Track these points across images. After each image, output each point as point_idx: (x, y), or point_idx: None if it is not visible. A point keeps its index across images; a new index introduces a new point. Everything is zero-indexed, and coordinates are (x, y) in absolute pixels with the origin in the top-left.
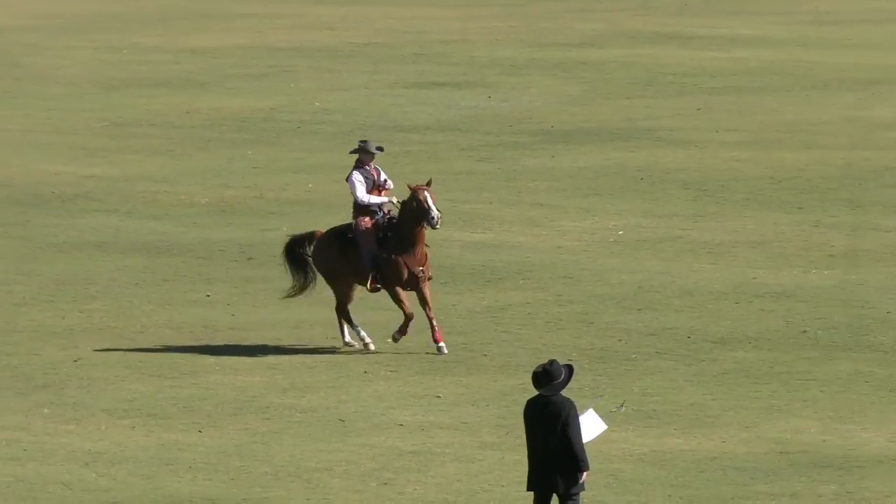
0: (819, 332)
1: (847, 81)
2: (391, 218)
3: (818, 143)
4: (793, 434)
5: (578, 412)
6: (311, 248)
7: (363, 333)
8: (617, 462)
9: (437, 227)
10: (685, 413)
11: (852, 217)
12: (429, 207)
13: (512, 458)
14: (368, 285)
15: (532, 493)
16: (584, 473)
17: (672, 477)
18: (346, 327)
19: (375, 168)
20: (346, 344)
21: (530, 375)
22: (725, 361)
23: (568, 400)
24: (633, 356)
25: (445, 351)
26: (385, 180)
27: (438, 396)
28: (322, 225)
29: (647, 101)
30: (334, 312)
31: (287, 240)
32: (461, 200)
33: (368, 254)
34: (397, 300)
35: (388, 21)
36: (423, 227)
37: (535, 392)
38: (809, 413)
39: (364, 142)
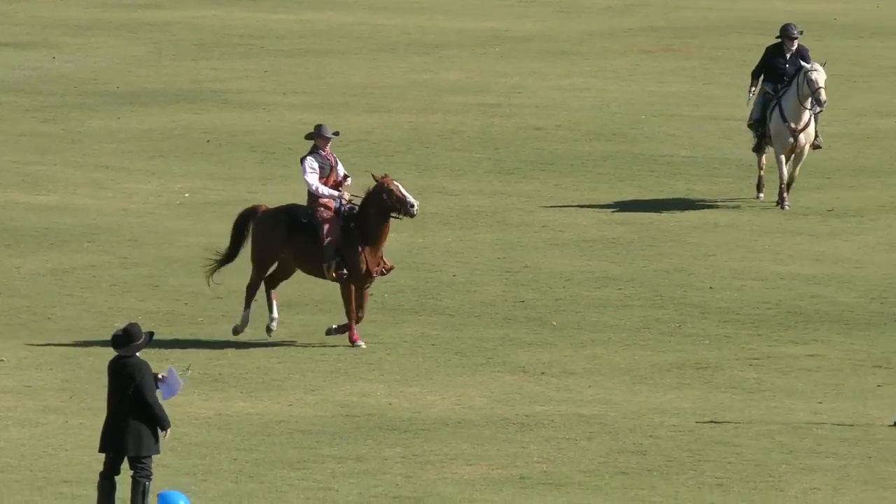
0: (386, 295)
1: (414, 45)
2: (351, 208)
3: (385, 106)
4: (359, 397)
5: (156, 372)
6: (253, 221)
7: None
8: (182, 426)
9: (416, 215)
10: (252, 377)
11: (419, 180)
12: (404, 196)
13: (76, 422)
14: (333, 274)
15: (104, 454)
16: (167, 433)
17: (238, 440)
18: (249, 310)
19: (332, 154)
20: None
21: (107, 338)
22: (293, 325)
23: (142, 361)
24: (200, 320)
25: (363, 346)
26: (345, 174)
27: (2, 360)
28: None
29: (214, 62)
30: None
31: (242, 210)
32: (25, 162)
33: (331, 243)
34: (346, 299)
35: None
36: (389, 221)
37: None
38: (376, 376)
39: (319, 126)
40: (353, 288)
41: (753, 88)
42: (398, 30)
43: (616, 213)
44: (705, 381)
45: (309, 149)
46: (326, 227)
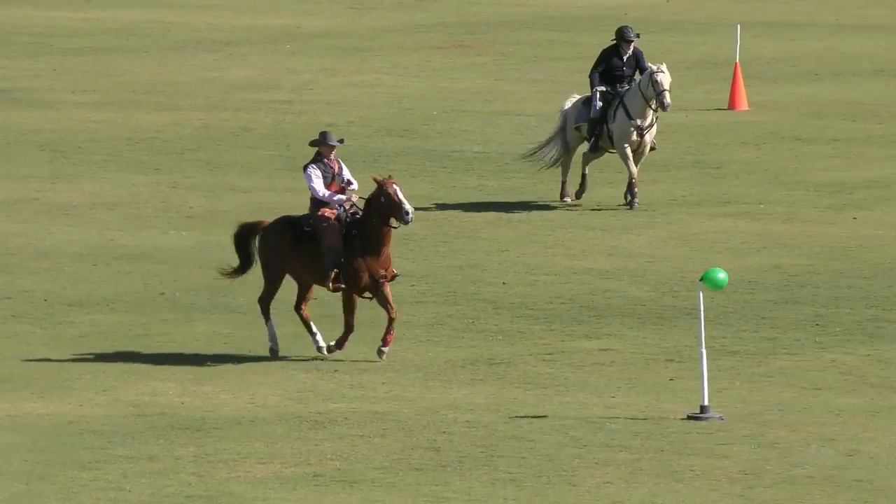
0: (177, 294)
1: (204, 42)
2: (355, 213)
3: (175, 104)
4: (151, 396)
5: None
6: (258, 236)
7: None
8: None
9: (411, 222)
10: (42, 377)
11: (210, 178)
12: (400, 202)
13: None
14: (330, 285)
15: None
16: None
17: (29, 442)
18: (271, 322)
19: (336, 160)
20: (272, 350)
21: None
22: (83, 324)
23: None
24: None
25: (384, 357)
26: (348, 180)
27: None
28: None
29: (3, 61)
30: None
31: (237, 227)
32: None
33: (331, 251)
34: (347, 308)
35: None
36: (390, 225)
37: None
38: (168, 375)
39: (324, 133)
40: (354, 298)
41: (599, 89)
42: (188, 27)
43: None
44: (498, 376)
45: (312, 156)
46: (326, 234)
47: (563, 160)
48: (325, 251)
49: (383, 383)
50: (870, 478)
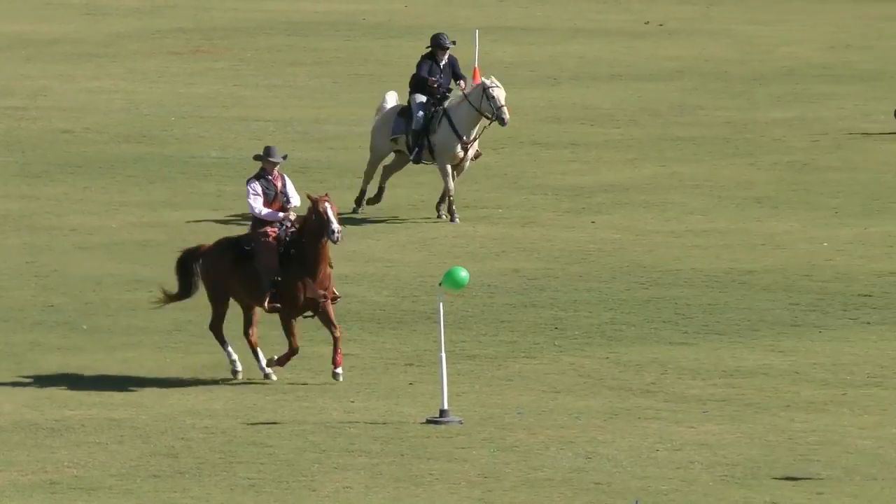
0: None
1: None
2: (294, 231)
3: None
4: None
5: None
6: (200, 260)
7: (235, 357)
8: None
9: (338, 241)
10: None
11: None
12: (328, 220)
13: None
14: (266, 305)
15: None
16: None
17: None
18: (228, 346)
19: (281, 176)
20: (235, 372)
21: None
22: None
23: None
24: None
25: (341, 379)
26: (288, 198)
27: None
28: None
29: None
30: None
31: (180, 253)
32: None
33: (266, 271)
34: (286, 329)
35: None
36: (325, 243)
37: None
38: None
39: (268, 148)
40: (291, 320)
41: (419, 100)
42: None
43: (146, 216)
44: (237, 382)
45: (256, 171)
46: (262, 254)
47: (368, 170)
48: (261, 270)
49: (121, 390)
50: (608, 480)
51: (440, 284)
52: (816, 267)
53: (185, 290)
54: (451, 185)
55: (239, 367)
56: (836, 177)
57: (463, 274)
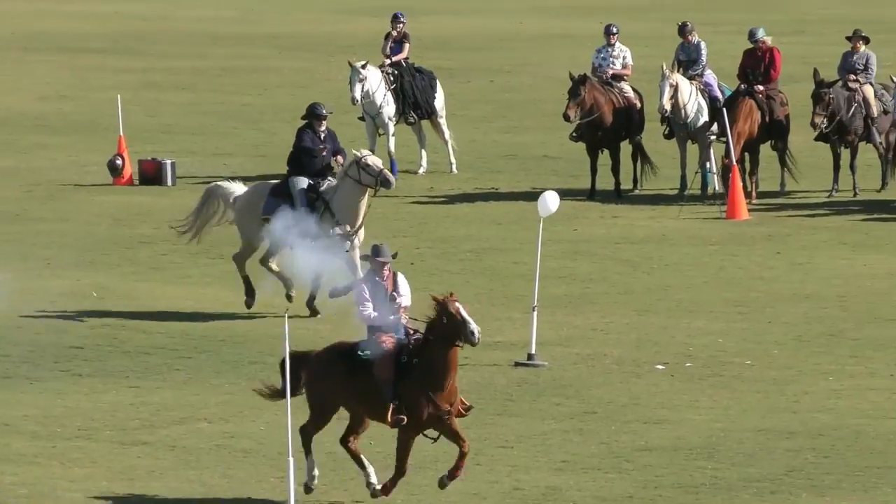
0: None
1: None
2: (417, 338)
3: None
4: None
5: None
6: (305, 370)
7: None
8: None
9: (478, 343)
10: None
11: None
12: (465, 320)
13: None
14: (389, 418)
15: None
16: None
17: None
18: (313, 456)
19: (392, 274)
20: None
21: None
22: None
23: None
24: None
25: (444, 487)
26: (392, 294)
27: None
28: None
29: None
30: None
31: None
32: None
33: (385, 383)
34: (402, 450)
35: None
36: (456, 350)
37: None
38: None
39: (377, 247)
40: (410, 439)
41: (301, 187)
42: None
43: None
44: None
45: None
46: (378, 365)
47: (240, 262)
48: (380, 383)
49: None
50: None
51: None
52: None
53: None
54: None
55: (315, 483)
56: (49, 227)
57: None
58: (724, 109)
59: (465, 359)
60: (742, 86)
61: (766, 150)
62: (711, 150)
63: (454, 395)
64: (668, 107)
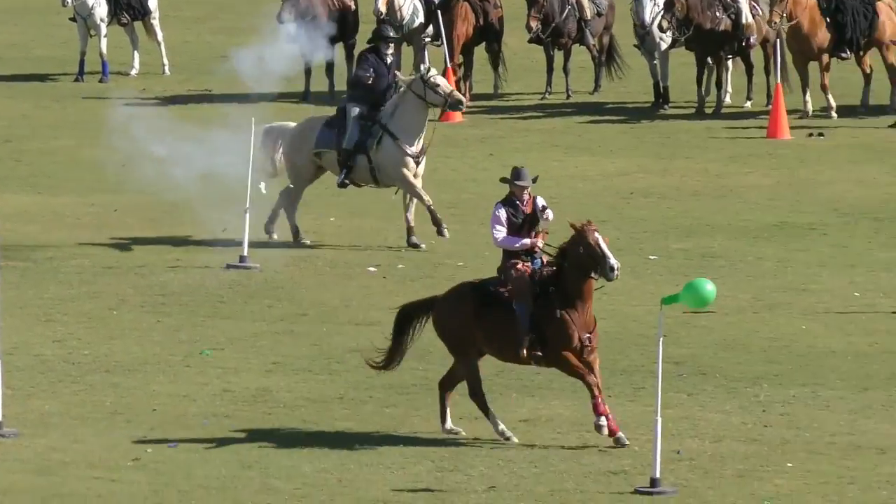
0: None
1: None
2: (551, 267)
3: None
4: None
5: None
6: (435, 313)
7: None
8: None
9: (616, 278)
10: None
11: None
12: (604, 254)
13: None
14: (524, 353)
15: None
16: None
17: None
18: (495, 416)
19: (532, 199)
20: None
21: None
22: None
23: None
24: None
25: (605, 432)
26: (543, 207)
27: None
28: None
29: None
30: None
31: (401, 307)
32: None
33: (523, 310)
34: (570, 368)
35: None
36: (592, 280)
37: None
38: None
39: (517, 170)
40: (568, 355)
41: (354, 110)
42: None
43: None
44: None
45: (505, 195)
46: (517, 290)
47: (291, 198)
48: (518, 311)
49: None
50: None
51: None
52: None
53: (396, 352)
54: (426, 197)
55: (509, 434)
56: None
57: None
58: (439, 12)
59: (177, 261)
60: None
61: (479, 51)
62: (426, 53)
63: (592, 323)
64: (383, 8)
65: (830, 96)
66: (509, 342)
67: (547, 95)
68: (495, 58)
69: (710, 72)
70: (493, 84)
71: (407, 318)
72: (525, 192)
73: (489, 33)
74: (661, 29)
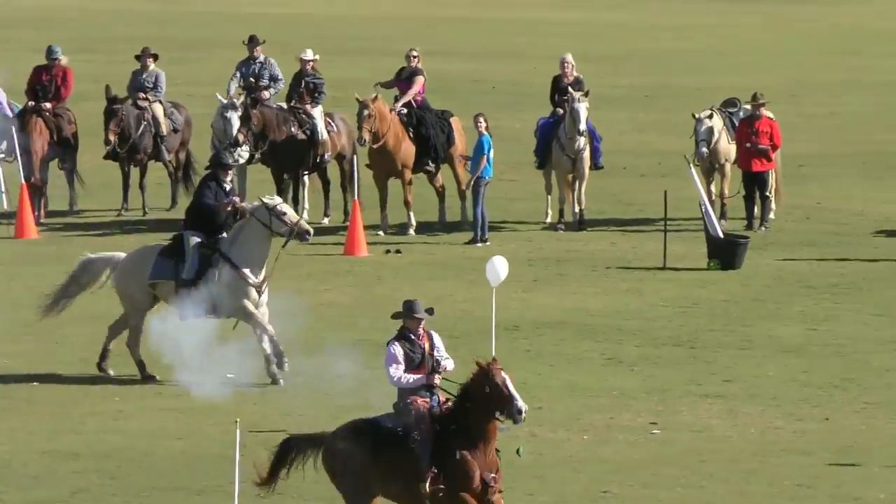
0: None
1: None
2: (451, 405)
3: None
4: None
5: None
6: (320, 450)
7: None
8: None
9: (523, 423)
10: None
11: None
12: (511, 396)
13: None
14: (427, 486)
15: None
16: None
17: None
18: None
19: (428, 334)
20: None
21: None
22: None
23: None
24: None
25: None
26: (439, 362)
27: None
28: None
29: None
30: None
31: (288, 436)
32: None
33: (424, 447)
34: None
35: None
36: (495, 422)
37: None
38: None
39: (410, 302)
40: (467, 496)
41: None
42: None
43: None
44: None
45: (397, 331)
46: (416, 428)
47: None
48: (417, 450)
49: None
50: None
51: None
52: None
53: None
54: (270, 328)
55: None
56: None
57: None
58: (13, 128)
59: None
60: (30, 103)
61: (53, 167)
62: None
63: (495, 465)
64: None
65: (412, 213)
66: (412, 480)
67: (123, 212)
68: (70, 174)
69: (288, 187)
70: (69, 200)
71: (289, 449)
72: (420, 325)
73: (64, 148)
74: (236, 143)
